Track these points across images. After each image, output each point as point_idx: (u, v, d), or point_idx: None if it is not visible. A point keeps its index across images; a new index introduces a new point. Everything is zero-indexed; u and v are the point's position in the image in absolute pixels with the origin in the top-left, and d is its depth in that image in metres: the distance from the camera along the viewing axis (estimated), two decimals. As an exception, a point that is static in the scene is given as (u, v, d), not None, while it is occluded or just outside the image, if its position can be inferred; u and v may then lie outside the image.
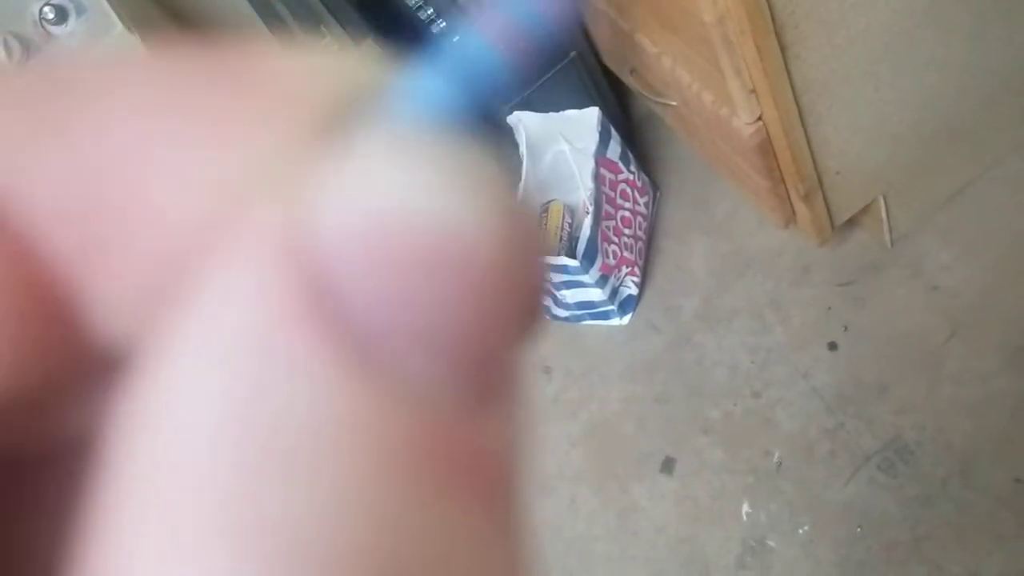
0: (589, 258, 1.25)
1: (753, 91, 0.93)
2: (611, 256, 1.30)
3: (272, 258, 0.09)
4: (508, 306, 0.10)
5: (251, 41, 0.11)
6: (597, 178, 1.28)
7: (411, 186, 0.09)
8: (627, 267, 1.34)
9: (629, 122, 1.48)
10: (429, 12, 1.28)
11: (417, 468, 0.09)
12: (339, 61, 0.11)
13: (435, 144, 0.10)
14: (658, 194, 1.44)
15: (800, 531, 1.14)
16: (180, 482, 0.09)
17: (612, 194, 1.32)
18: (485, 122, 0.11)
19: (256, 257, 0.09)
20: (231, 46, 0.11)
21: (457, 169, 0.10)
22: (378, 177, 0.10)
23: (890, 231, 1.22)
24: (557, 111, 1.30)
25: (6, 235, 0.10)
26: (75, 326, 0.10)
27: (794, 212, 1.14)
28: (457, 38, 0.11)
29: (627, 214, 1.34)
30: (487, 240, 0.09)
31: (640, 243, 1.37)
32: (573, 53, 1.30)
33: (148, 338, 0.10)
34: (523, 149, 1.26)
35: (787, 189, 1.09)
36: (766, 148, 1.01)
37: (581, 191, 1.27)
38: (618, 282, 1.33)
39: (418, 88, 0.11)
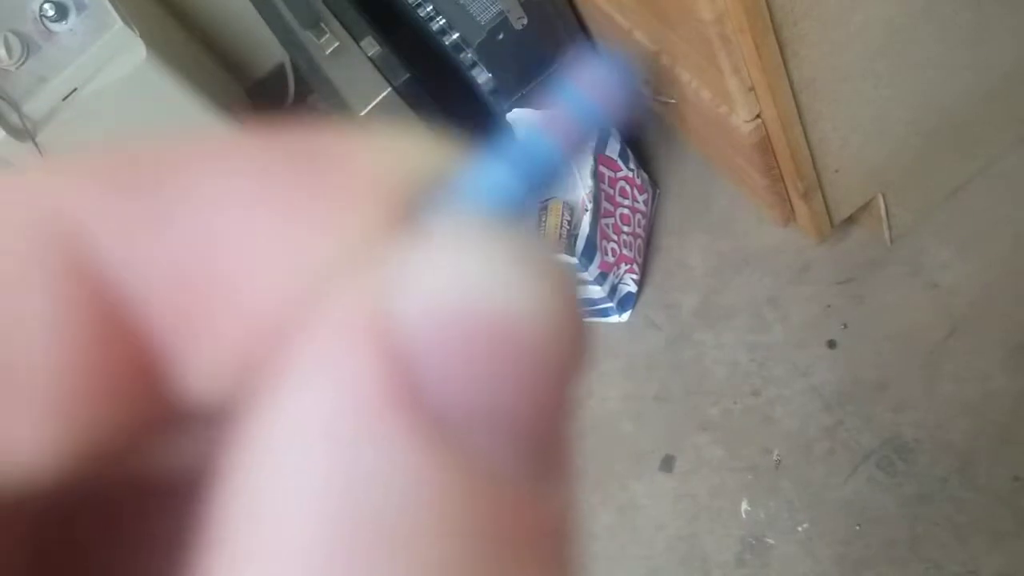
0: (588, 255, 1.25)
1: (752, 89, 0.93)
2: (610, 254, 1.30)
3: (359, 341, 0.10)
4: (565, 384, 0.11)
5: (332, 128, 0.12)
6: (596, 175, 1.28)
7: (482, 274, 0.10)
8: (626, 264, 1.34)
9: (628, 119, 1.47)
10: (428, 10, 1.28)
11: (494, 541, 0.10)
12: (414, 149, 0.12)
13: (500, 230, 0.11)
14: (657, 192, 1.44)
15: (799, 529, 1.14)
16: (280, 553, 0.10)
17: (611, 191, 1.32)
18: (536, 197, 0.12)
19: (344, 339, 0.10)
20: (315, 133, 0.12)
21: (521, 256, 0.11)
22: (452, 265, 0.11)
23: (889, 229, 1.22)
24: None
25: (110, 303, 0.11)
26: (164, 386, 0.11)
27: (793, 210, 1.14)
28: (520, 131, 0.12)
29: (626, 211, 1.34)
30: (550, 325, 0.11)
31: (639, 240, 1.37)
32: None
33: (241, 405, 0.11)
34: (522, 147, 1.26)
35: (786, 187, 1.09)
36: (765, 146, 1.01)
37: (580, 188, 1.27)
38: (617, 279, 1.33)
39: (483, 175, 0.12)
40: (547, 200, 1.28)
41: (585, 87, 0.12)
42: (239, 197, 0.11)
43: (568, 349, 0.11)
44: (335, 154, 0.12)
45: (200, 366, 0.11)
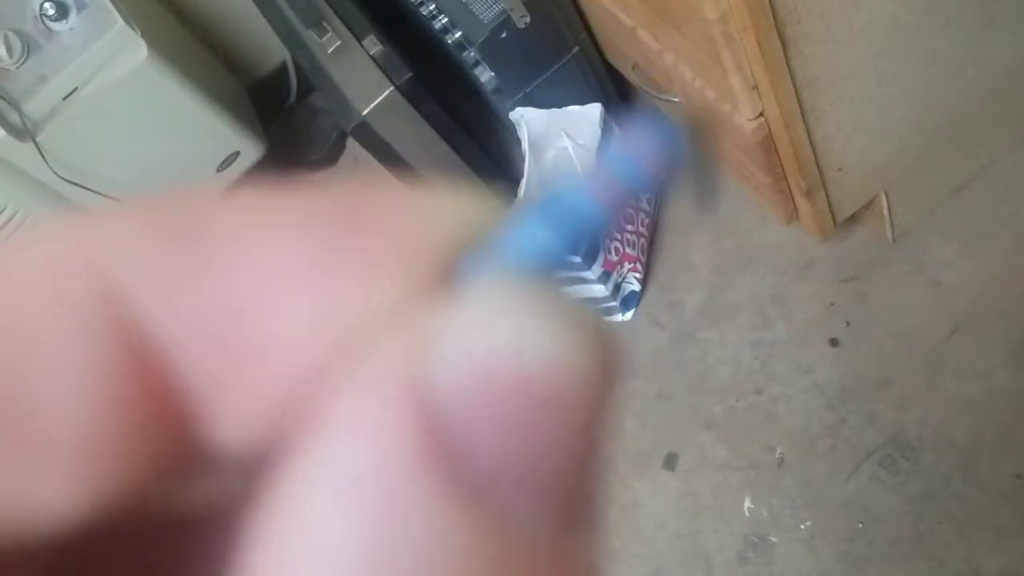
0: (591, 254, 1.25)
1: (755, 87, 0.93)
2: (613, 252, 1.30)
3: (392, 399, 0.10)
4: (595, 440, 0.11)
5: (369, 184, 0.12)
6: (599, 174, 1.28)
7: (517, 335, 0.10)
8: (629, 263, 1.34)
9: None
10: (431, 8, 1.27)
11: None
12: (453, 207, 0.12)
13: (536, 290, 0.11)
14: (660, 190, 1.44)
15: (802, 527, 1.14)
16: None
17: (614, 190, 1.31)
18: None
19: (377, 397, 0.10)
20: (352, 190, 0.12)
21: (557, 317, 0.11)
22: (488, 326, 0.11)
23: (892, 227, 1.22)
24: (559, 107, 1.30)
25: (143, 355, 0.11)
26: (193, 435, 0.12)
27: (796, 208, 1.14)
28: (561, 190, 0.12)
29: (629, 210, 1.34)
30: (582, 386, 0.11)
31: (643, 239, 1.37)
32: (576, 49, 1.30)
33: (274, 456, 0.11)
34: (525, 146, 1.26)
35: (789, 185, 1.09)
36: (768, 144, 1.01)
37: (583, 187, 1.27)
38: (621, 278, 1.33)
39: (523, 234, 0.12)
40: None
41: (630, 150, 0.12)
42: (278, 253, 0.11)
43: (599, 408, 0.11)
44: (375, 212, 0.12)
45: (231, 417, 0.12)
